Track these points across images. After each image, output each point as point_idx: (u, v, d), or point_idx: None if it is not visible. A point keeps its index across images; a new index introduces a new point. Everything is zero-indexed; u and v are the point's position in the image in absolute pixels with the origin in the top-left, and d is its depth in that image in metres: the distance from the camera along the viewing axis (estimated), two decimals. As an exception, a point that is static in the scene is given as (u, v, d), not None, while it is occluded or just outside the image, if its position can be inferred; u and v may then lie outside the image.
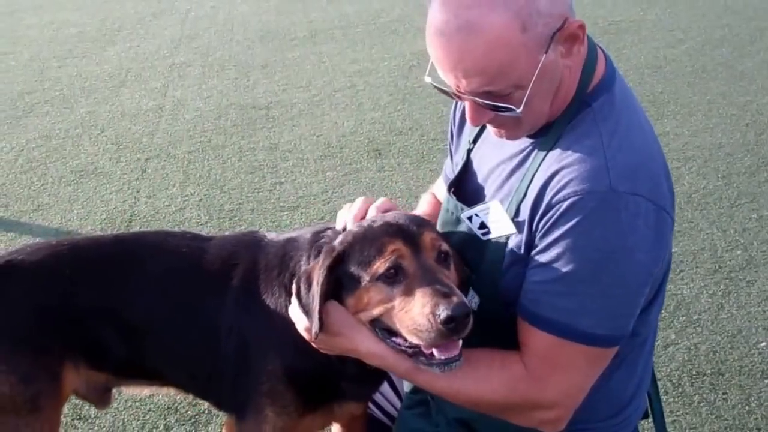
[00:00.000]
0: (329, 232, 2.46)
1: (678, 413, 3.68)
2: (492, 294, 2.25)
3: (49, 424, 2.65)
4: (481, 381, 2.20)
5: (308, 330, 2.26)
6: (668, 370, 3.94)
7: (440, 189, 2.76)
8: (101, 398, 2.84)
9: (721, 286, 4.60)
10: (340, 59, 9.21)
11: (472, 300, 2.30)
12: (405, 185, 6.10)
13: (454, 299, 2.04)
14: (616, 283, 2.05)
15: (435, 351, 2.11)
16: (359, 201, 2.44)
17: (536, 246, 2.11)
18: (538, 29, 1.96)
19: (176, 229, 5.52)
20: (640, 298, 2.11)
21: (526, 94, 2.02)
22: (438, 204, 2.75)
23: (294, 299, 2.30)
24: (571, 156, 2.08)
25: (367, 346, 2.24)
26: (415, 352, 2.16)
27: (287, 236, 2.65)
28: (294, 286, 2.32)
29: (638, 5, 10.36)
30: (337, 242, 2.29)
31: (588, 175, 2.03)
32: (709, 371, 3.96)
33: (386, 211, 2.37)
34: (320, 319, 2.20)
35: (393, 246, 2.17)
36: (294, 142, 7.01)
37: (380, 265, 2.16)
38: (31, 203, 6.18)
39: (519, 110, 2.05)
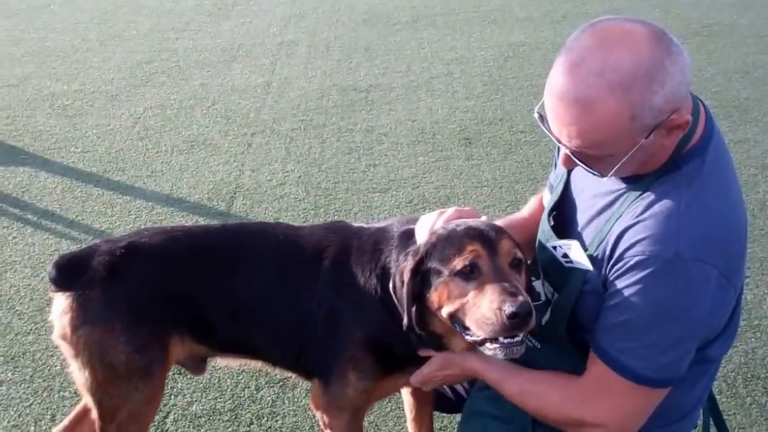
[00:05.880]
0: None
1: (729, 413, 3.78)
2: (564, 315, 2.43)
3: (156, 387, 2.87)
4: (542, 397, 2.44)
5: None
6: (724, 372, 4.03)
7: (546, 196, 2.90)
8: (197, 366, 3.06)
9: (784, 294, 4.64)
10: (438, 46, 9.30)
11: (544, 317, 2.51)
12: (491, 175, 6.21)
13: (520, 298, 2.25)
14: (671, 336, 2.20)
15: (500, 338, 2.31)
16: (436, 213, 2.62)
17: (608, 289, 2.27)
18: (645, 121, 2.06)
19: (276, 203, 5.81)
20: (691, 349, 2.25)
21: (617, 165, 2.16)
22: (540, 210, 2.92)
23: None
24: (649, 214, 2.20)
25: (468, 364, 2.59)
26: (483, 341, 2.36)
27: (378, 226, 2.87)
28: (390, 284, 2.58)
29: (733, 9, 10.19)
30: (422, 244, 2.51)
31: (658, 237, 2.15)
32: (763, 375, 4.04)
33: (458, 218, 2.56)
34: (409, 313, 2.47)
35: (472, 246, 2.38)
36: (390, 126, 7.16)
37: (459, 262, 2.37)
38: (145, 169, 6.47)
39: (605, 178, 2.23)
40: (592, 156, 2.19)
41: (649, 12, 9.95)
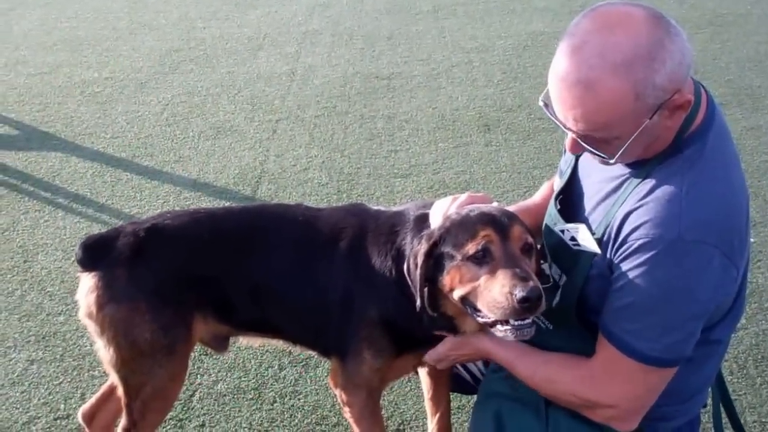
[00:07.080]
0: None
1: (740, 392, 3.76)
2: (573, 297, 2.42)
3: (179, 365, 2.88)
4: (554, 378, 2.44)
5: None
6: (735, 353, 4.01)
7: (556, 182, 2.87)
8: (220, 345, 3.05)
9: (796, 279, 4.59)
10: (459, 35, 9.26)
11: (555, 299, 2.49)
12: (510, 160, 6.18)
13: (530, 283, 2.25)
14: (675, 316, 2.19)
15: (511, 319, 2.32)
16: (449, 198, 2.62)
17: (613, 272, 2.26)
18: (649, 100, 2.05)
19: (300, 188, 5.81)
20: (696, 329, 2.23)
21: (623, 147, 2.14)
22: (551, 195, 2.92)
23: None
24: (651, 197, 2.19)
25: (482, 344, 2.57)
26: (494, 322, 2.36)
27: (395, 209, 2.86)
28: (405, 266, 2.56)
29: (747, -1, 10.16)
30: (436, 229, 2.50)
31: (661, 220, 2.14)
32: (774, 357, 4.02)
33: (471, 203, 2.55)
34: (422, 295, 2.46)
35: (484, 232, 2.37)
36: (411, 113, 7.14)
37: (471, 247, 2.36)
38: (173, 154, 6.47)
39: (612, 161, 2.20)
40: (598, 139, 2.17)
41: (665, 2, 9.83)
